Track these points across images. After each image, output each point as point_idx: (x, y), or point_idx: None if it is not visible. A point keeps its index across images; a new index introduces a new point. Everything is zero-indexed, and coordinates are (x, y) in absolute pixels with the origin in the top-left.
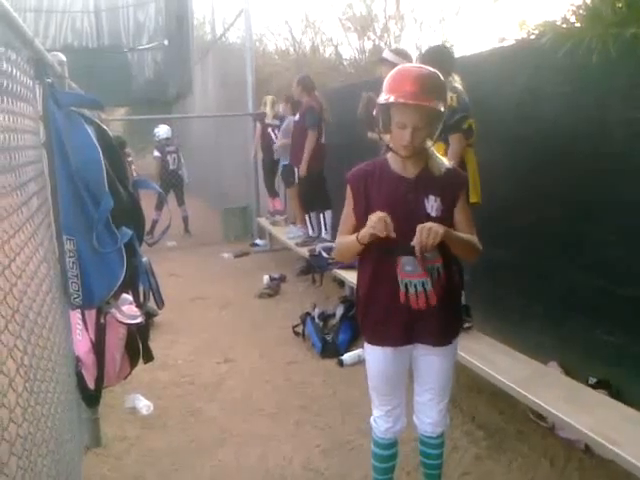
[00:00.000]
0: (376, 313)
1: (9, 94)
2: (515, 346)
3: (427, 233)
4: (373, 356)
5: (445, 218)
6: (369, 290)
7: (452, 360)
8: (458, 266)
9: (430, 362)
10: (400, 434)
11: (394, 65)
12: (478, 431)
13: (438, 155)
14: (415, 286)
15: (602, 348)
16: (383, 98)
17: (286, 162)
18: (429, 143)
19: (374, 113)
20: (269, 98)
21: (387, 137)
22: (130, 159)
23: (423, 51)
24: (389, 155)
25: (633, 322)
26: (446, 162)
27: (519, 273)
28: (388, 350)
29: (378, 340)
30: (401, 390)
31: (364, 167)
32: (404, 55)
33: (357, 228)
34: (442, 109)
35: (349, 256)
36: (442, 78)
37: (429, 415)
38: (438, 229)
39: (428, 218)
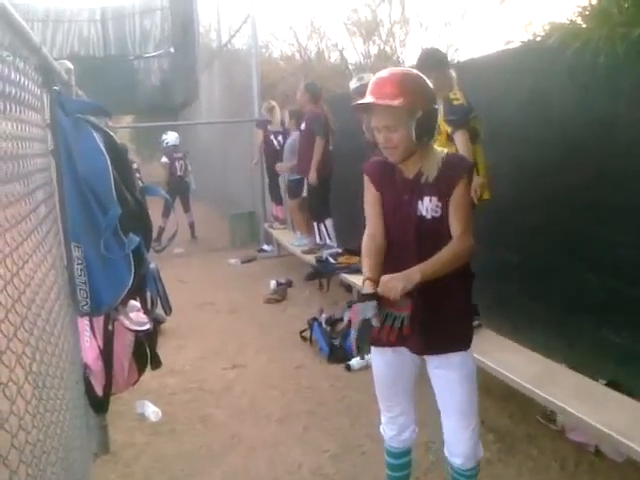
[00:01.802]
0: None
1: (17, 102)
2: (523, 347)
3: (385, 288)
4: (375, 359)
5: (445, 217)
6: None
7: (465, 377)
8: (462, 276)
9: (439, 376)
10: (410, 443)
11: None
12: (488, 434)
13: (436, 151)
14: (394, 319)
15: (611, 348)
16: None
17: (292, 177)
18: (409, 141)
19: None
20: (272, 104)
21: None
22: (135, 166)
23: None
24: None
25: None
26: (443, 153)
27: (527, 273)
28: (387, 352)
29: (376, 340)
30: (403, 398)
31: (381, 160)
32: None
33: (380, 216)
34: (409, 106)
35: None
36: (420, 77)
37: (456, 446)
38: (397, 285)
39: (422, 220)
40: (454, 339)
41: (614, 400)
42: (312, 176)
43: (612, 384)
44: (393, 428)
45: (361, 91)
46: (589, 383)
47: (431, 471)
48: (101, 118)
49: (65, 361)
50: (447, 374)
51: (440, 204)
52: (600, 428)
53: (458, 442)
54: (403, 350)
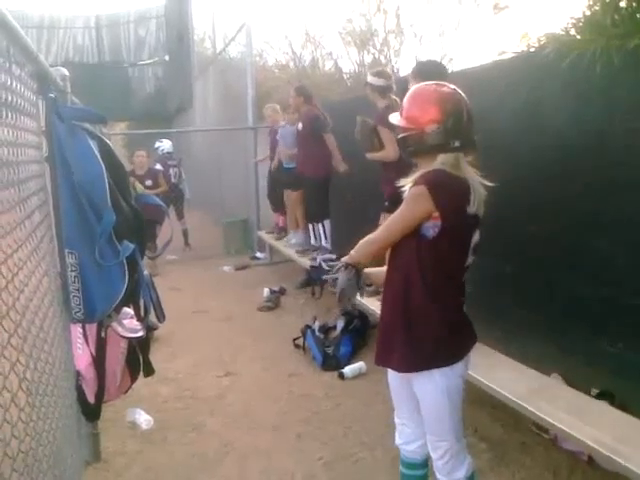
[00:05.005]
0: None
1: (13, 109)
2: (517, 357)
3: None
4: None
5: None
6: None
7: (428, 399)
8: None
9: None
10: (420, 457)
11: (376, 87)
12: (480, 444)
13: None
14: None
15: (605, 359)
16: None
17: (289, 165)
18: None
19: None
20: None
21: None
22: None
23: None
24: None
25: (636, 332)
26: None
27: (520, 284)
28: None
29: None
30: (406, 412)
31: None
32: (386, 76)
33: None
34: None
35: None
36: (432, 90)
37: (433, 461)
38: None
39: None
40: (400, 356)
41: (605, 414)
42: (343, 166)
43: (604, 394)
44: (401, 436)
45: (370, 86)
46: (580, 397)
47: None
48: (96, 125)
49: (58, 368)
50: (412, 384)
51: None
52: (589, 444)
53: (433, 458)
54: None
